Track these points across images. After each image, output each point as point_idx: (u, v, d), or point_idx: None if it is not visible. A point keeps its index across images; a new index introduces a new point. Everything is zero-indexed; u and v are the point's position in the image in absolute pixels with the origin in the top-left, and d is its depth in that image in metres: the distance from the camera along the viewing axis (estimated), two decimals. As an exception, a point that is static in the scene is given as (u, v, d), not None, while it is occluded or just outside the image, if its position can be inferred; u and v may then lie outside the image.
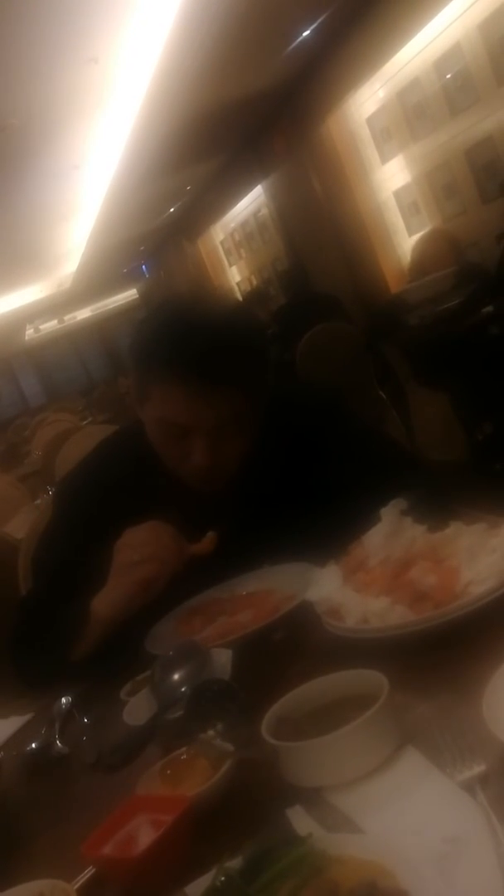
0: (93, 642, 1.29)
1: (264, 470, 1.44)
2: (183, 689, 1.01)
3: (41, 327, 18.20)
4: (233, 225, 11.50)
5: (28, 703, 1.32)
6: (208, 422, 1.32)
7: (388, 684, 0.82)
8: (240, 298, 10.26)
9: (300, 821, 0.76)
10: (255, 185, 9.86)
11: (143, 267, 17.35)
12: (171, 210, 12.21)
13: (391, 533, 1.13)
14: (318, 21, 6.23)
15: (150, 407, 1.38)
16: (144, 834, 0.79)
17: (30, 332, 18.17)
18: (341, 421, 1.54)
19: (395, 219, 7.32)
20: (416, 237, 6.62)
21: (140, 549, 1.26)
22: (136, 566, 1.25)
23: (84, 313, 18.59)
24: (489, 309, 3.76)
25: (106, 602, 1.28)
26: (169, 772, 0.88)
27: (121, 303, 18.51)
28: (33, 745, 1.12)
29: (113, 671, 1.24)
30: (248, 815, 0.80)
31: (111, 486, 1.46)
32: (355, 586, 1.08)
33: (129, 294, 18.43)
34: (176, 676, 1.05)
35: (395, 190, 7.19)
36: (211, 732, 0.91)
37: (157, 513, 1.32)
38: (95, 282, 15.48)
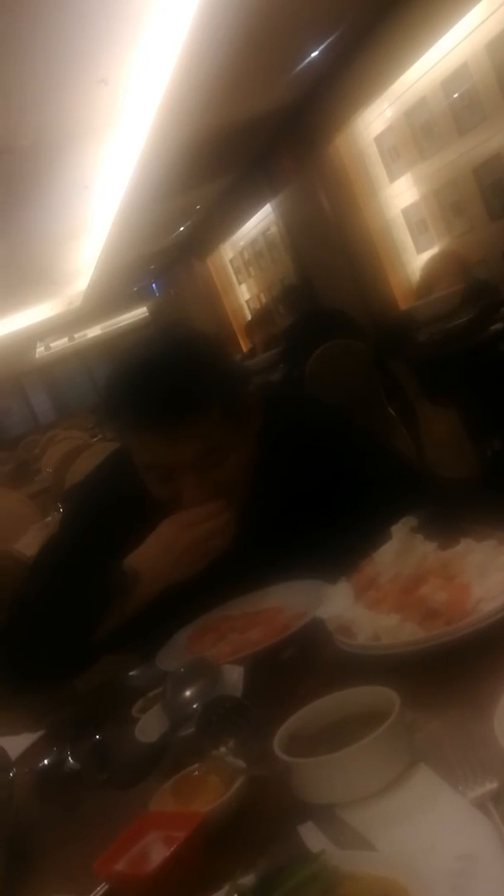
0: (131, 610, 1.33)
1: (273, 487, 1.44)
2: (194, 706, 1.02)
3: (52, 345, 18.28)
4: (242, 243, 11.56)
5: (40, 719, 1.32)
6: (186, 458, 1.33)
7: (399, 701, 0.83)
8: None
9: (313, 838, 0.76)
10: (264, 204, 9.91)
11: (153, 285, 17.44)
12: (181, 229, 12.28)
13: (402, 550, 1.13)
14: (326, 42, 6.29)
15: (133, 454, 1.41)
16: (157, 851, 0.79)
17: (40, 350, 18.25)
18: (350, 437, 1.55)
19: (404, 236, 7.35)
20: (424, 255, 6.65)
21: (193, 513, 1.32)
22: (189, 529, 1.32)
23: (94, 331, 18.66)
24: (498, 326, 3.76)
25: (150, 575, 1.33)
26: (181, 789, 0.88)
27: (131, 321, 18.58)
28: (45, 762, 1.13)
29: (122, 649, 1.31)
30: (260, 832, 0.80)
31: (120, 496, 1.48)
32: (366, 603, 1.09)
33: (140, 312, 18.51)
34: (187, 693, 1.05)
35: (403, 208, 7.22)
36: (223, 749, 0.91)
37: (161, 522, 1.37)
38: (106, 300, 15.56)
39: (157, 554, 1.34)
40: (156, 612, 1.38)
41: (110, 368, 1.44)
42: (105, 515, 1.47)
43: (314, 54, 6.44)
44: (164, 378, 1.33)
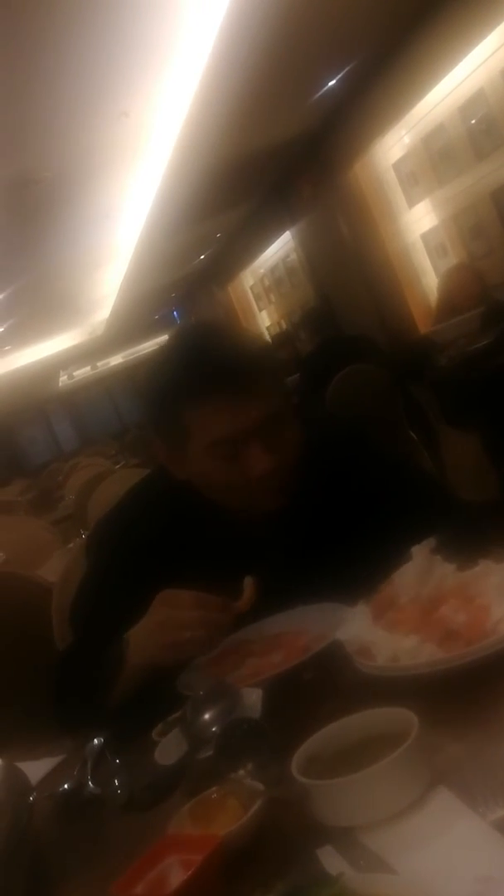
0: (128, 687, 1.29)
1: (292, 510, 1.45)
2: (213, 729, 1.01)
3: (75, 374, 18.44)
4: (262, 270, 11.64)
5: (61, 744, 1.32)
6: (254, 421, 1.35)
7: (418, 722, 0.82)
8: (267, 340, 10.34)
9: (331, 861, 0.75)
10: (284, 231, 9.98)
11: (175, 313, 17.57)
12: (202, 257, 12.39)
13: (421, 571, 1.13)
14: (344, 71, 6.36)
15: (194, 441, 1.39)
16: (175, 874, 0.79)
17: (64, 379, 18.42)
18: (373, 456, 1.55)
19: (423, 261, 7.37)
20: (444, 279, 6.66)
21: (183, 614, 1.24)
22: (182, 645, 1.24)
23: (116, 359, 18.82)
24: (519, 348, 3.76)
25: (139, 652, 1.28)
26: (200, 811, 0.88)
27: (152, 349, 18.72)
28: (65, 786, 1.13)
29: (147, 717, 1.23)
30: (278, 855, 0.80)
31: (145, 532, 1.46)
32: (385, 625, 1.08)
33: (161, 340, 18.59)
34: (206, 716, 1.05)
35: (422, 233, 7.25)
36: (241, 772, 0.91)
37: (193, 554, 1.35)
38: (127, 328, 15.70)
39: (146, 632, 1.29)
40: None
41: (163, 353, 1.47)
42: (134, 553, 1.45)
43: (332, 83, 6.51)
44: (227, 349, 1.41)
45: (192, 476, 1.44)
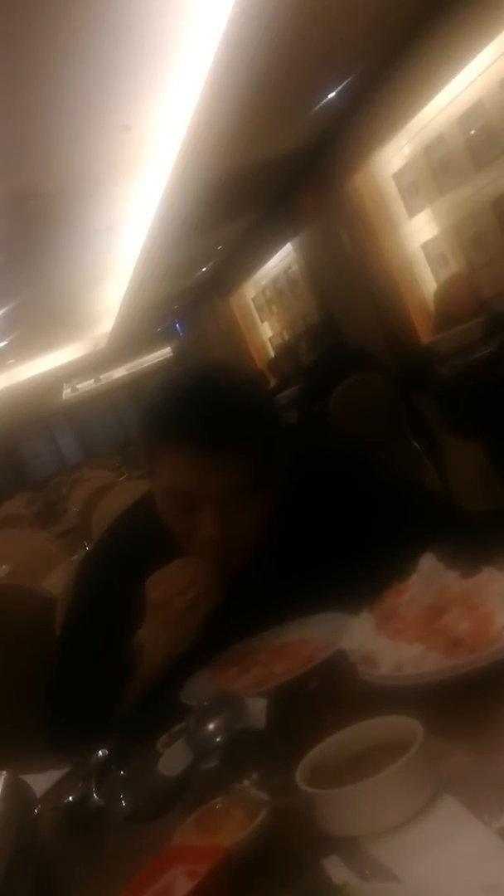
0: (139, 689, 1.29)
1: (296, 522, 1.45)
2: (218, 739, 1.01)
3: (78, 387, 18.48)
4: (264, 282, 11.67)
5: (66, 757, 1.32)
6: (215, 489, 1.27)
7: (422, 731, 0.82)
8: (270, 354, 10.36)
9: (336, 870, 0.75)
10: (285, 243, 10.01)
11: (177, 326, 17.61)
12: (204, 269, 12.43)
13: (425, 579, 1.13)
14: (344, 83, 6.39)
15: (158, 478, 1.35)
16: (180, 885, 0.79)
17: (67, 392, 18.45)
18: (371, 467, 1.55)
19: (425, 271, 7.39)
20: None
21: (173, 582, 1.27)
22: (173, 600, 1.26)
23: (120, 372, 18.85)
24: (520, 357, 3.76)
25: (152, 650, 1.29)
26: (204, 822, 0.87)
27: (155, 361, 18.76)
28: (70, 798, 1.12)
29: (150, 725, 1.23)
30: (284, 865, 0.79)
31: (130, 559, 1.42)
32: (389, 633, 1.08)
33: (164, 352, 18.69)
34: (211, 727, 1.05)
35: (423, 243, 7.27)
36: (246, 782, 0.91)
37: None
38: (130, 341, 15.74)
39: (149, 623, 1.29)
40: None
41: (160, 384, 1.42)
42: (119, 582, 1.41)
43: (331, 95, 6.54)
44: (216, 401, 1.30)
45: (156, 502, 1.40)
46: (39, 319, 10.46)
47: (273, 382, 8.47)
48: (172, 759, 1.06)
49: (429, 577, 1.13)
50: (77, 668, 1.44)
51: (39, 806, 1.06)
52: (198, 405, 1.30)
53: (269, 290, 11.58)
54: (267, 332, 12.24)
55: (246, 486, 1.29)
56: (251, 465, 1.29)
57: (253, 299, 12.41)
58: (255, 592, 1.38)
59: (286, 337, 11.20)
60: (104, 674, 1.34)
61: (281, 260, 10.63)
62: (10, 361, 12.83)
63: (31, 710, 1.49)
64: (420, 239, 7.28)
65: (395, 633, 1.07)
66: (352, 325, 8.41)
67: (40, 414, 18.00)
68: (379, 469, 1.57)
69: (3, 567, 3.73)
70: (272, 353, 10.88)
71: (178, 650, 1.28)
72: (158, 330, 17.39)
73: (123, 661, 1.31)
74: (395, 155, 7.18)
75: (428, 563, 1.14)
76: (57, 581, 2.94)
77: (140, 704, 1.30)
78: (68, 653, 1.53)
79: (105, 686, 1.33)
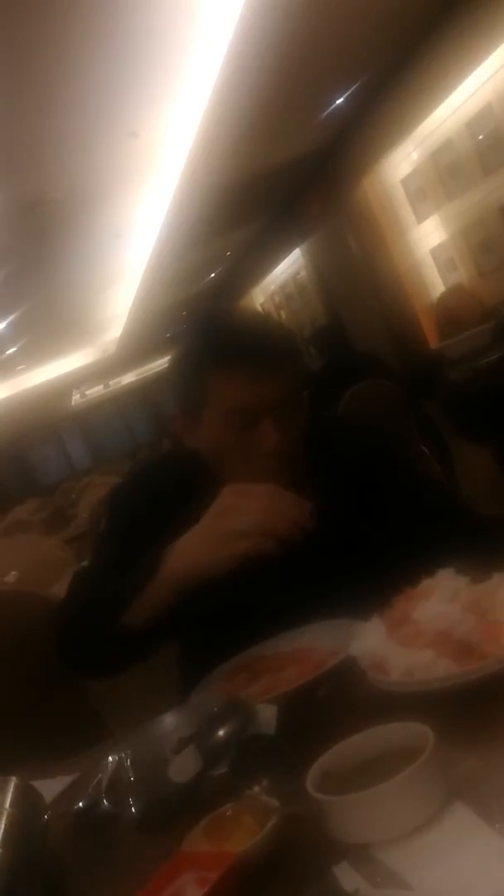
0: (157, 602, 1.28)
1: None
2: (228, 746, 1.01)
3: (87, 392, 18.52)
4: (272, 287, 11.68)
5: (74, 762, 1.32)
6: (272, 398, 1.40)
7: (433, 737, 0.82)
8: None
9: (347, 877, 0.75)
10: (294, 249, 10.02)
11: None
12: (212, 275, 12.45)
13: (435, 585, 1.13)
14: (352, 89, 6.40)
15: (211, 407, 1.44)
16: (190, 892, 0.78)
17: (76, 398, 18.49)
18: (389, 465, 1.55)
19: (433, 276, 7.38)
20: (454, 294, 6.66)
21: (253, 518, 1.22)
22: (241, 537, 1.22)
23: (128, 378, 18.88)
24: (530, 362, 3.75)
25: (189, 558, 1.26)
26: (214, 829, 0.87)
27: (164, 367, 18.76)
28: (80, 805, 1.12)
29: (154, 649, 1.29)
30: (294, 872, 0.79)
31: (163, 491, 1.51)
32: (399, 639, 1.08)
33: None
34: (221, 733, 1.05)
35: (431, 248, 7.26)
36: (256, 788, 0.91)
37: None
38: (139, 347, 15.76)
39: (202, 527, 1.27)
40: (190, 652, 1.37)
41: (198, 323, 1.67)
42: (150, 510, 1.50)
43: (340, 100, 6.55)
44: (263, 329, 1.50)
45: (201, 446, 1.48)
46: (48, 325, 10.49)
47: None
48: (182, 765, 1.06)
49: (439, 581, 1.13)
50: (93, 584, 1.48)
51: (49, 812, 1.05)
52: (249, 332, 1.49)
53: (278, 295, 11.59)
54: (275, 338, 12.23)
55: (292, 399, 1.44)
56: (293, 379, 1.46)
57: (261, 305, 12.42)
58: (266, 598, 1.38)
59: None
60: (116, 582, 1.35)
61: (289, 265, 10.64)
62: (19, 367, 12.87)
63: (44, 714, 1.50)
64: (428, 244, 7.27)
65: (406, 639, 1.06)
66: (360, 330, 8.41)
67: (49, 420, 18.03)
68: (395, 469, 1.57)
69: (13, 573, 3.74)
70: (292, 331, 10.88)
71: (204, 573, 1.24)
72: (167, 336, 17.41)
73: (142, 565, 1.30)
74: (403, 160, 7.18)
75: (440, 570, 1.14)
76: (66, 587, 2.94)
77: (158, 613, 1.28)
78: (90, 573, 1.58)
79: (116, 594, 1.33)
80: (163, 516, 1.38)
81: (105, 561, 1.54)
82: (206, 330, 1.54)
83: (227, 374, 1.42)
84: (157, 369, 18.73)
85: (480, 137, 6.07)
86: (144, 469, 1.76)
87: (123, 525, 1.57)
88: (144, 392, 19.11)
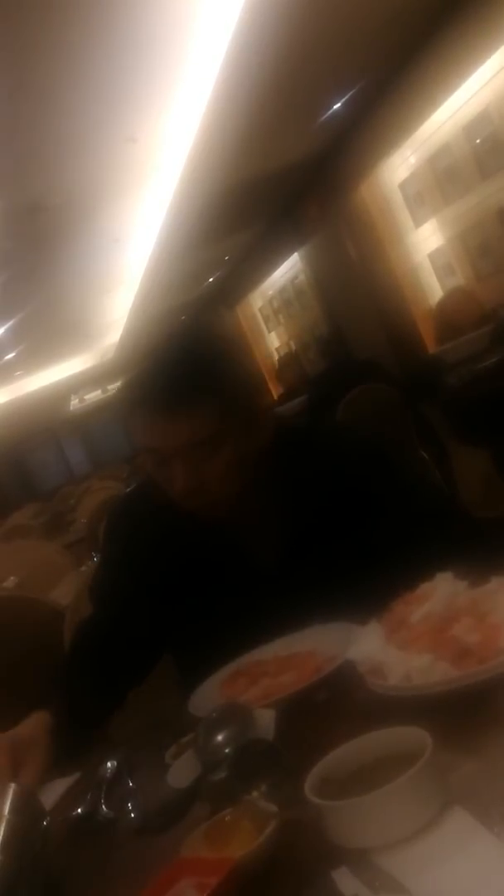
0: None
1: (307, 524, 1.45)
2: (226, 751, 1.01)
3: (86, 397, 18.51)
4: (271, 292, 11.68)
5: (73, 765, 1.31)
6: (177, 444, 1.38)
7: (431, 741, 0.81)
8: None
9: (346, 882, 0.75)
10: (292, 253, 10.03)
11: (184, 336, 17.59)
12: (211, 280, 12.45)
13: (433, 589, 1.13)
14: (349, 94, 6.41)
15: (134, 439, 1.47)
16: (190, 897, 0.78)
17: (75, 403, 18.49)
18: (387, 470, 1.54)
19: (431, 280, 7.39)
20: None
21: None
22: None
23: (127, 383, 18.86)
24: (528, 365, 3.75)
25: None
26: (213, 834, 0.87)
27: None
28: (79, 810, 1.12)
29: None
30: (293, 877, 0.79)
31: (152, 518, 1.56)
32: (398, 644, 1.08)
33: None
34: (219, 738, 1.04)
35: (429, 252, 7.27)
36: (255, 793, 0.90)
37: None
38: (138, 352, 15.75)
39: None
40: (188, 657, 1.38)
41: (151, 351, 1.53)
42: (143, 540, 1.55)
43: (337, 105, 6.56)
44: (173, 365, 1.42)
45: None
46: (47, 331, 10.49)
47: (280, 392, 8.47)
48: (181, 770, 1.06)
49: (437, 585, 1.13)
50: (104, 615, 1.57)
51: (48, 818, 1.05)
52: (158, 372, 1.42)
53: (276, 300, 11.59)
54: (274, 343, 12.25)
55: (207, 440, 1.38)
56: (208, 425, 1.37)
57: (260, 309, 12.42)
58: (264, 603, 1.38)
59: (293, 347, 11.20)
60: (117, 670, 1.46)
61: (288, 270, 10.64)
62: (18, 373, 12.87)
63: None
64: (426, 248, 7.28)
65: (404, 644, 1.06)
66: (359, 334, 8.41)
67: (48, 425, 18.03)
68: (393, 474, 1.57)
69: (12, 578, 3.73)
70: (279, 364, 10.89)
71: None
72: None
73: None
74: (401, 165, 7.19)
75: (438, 574, 1.14)
76: (65, 592, 2.94)
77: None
78: (97, 601, 1.64)
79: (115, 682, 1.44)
80: (154, 543, 1.49)
81: (105, 607, 1.60)
82: (139, 369, 1.48)
83: (134, 415, 1.43)
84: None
85: (478, 141, 6.08)
86: (132, 496, 1.76)
87: (117, 556, 1.62)
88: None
